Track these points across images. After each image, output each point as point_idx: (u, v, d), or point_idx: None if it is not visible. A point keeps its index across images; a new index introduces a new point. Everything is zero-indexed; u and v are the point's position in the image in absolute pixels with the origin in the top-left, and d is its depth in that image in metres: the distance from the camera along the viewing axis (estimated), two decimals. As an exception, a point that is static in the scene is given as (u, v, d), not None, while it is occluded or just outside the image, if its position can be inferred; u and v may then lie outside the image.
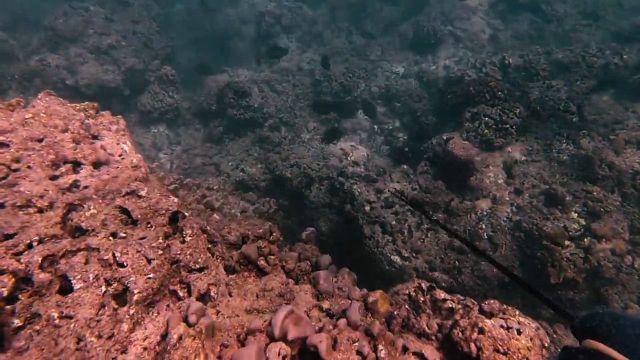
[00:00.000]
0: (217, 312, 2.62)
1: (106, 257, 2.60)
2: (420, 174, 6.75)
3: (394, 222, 5.94)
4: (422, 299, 3.19)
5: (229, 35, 13.36)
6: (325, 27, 13.01)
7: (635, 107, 6.70)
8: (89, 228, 2.82)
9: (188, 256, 2.77)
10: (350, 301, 2.90)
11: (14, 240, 2.57)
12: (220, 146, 9.01)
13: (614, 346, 1.06)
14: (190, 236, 2.89)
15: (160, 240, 2.78)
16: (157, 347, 2.40)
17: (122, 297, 2.54)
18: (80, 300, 2.45)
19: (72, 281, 2.51)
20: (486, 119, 6.45)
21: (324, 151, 8.02)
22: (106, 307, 2.45)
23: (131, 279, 2.53)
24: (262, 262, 3.01)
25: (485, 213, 5.79)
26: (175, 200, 3.09)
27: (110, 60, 9.47)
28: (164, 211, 3.02)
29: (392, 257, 5.65)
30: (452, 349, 2.79)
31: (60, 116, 3.41)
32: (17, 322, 2.33)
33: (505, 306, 2.96)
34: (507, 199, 5.88)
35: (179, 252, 2.77)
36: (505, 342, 2.67)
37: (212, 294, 2.70)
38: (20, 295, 2.44)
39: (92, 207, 2.95)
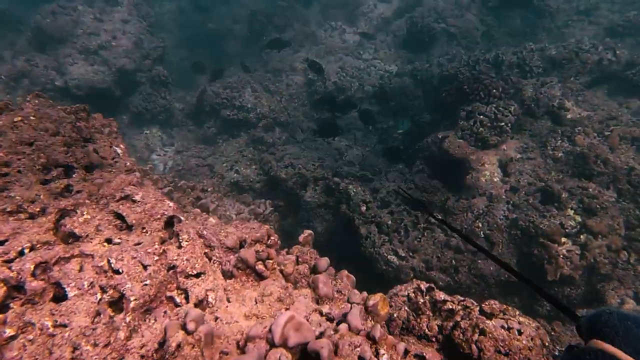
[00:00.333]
0: (216, 319, 2.57)
1: (101, 264, 2.53)
2: (416, 173, 6.76)
3: (390, 222, 5.92)
4: (421, 300, 3.16)
5: (221, 34, 13.26)
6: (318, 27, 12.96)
7: (629, 103, 6.74)
8: (83, 234, 2.75)
9: (185, 262, 2.71)
10: (350, 305, 2.87)
11: (5, 247, 2.49)
12: (213, 147, 8.94)
13: (621, 347, 1.04)
14: (186, 241, 2.83)
15: (156, 246, 2.72)
16: (154, 355, 2.34)
17: (118, 304, 2.47)
18: (74, 308, 2.38)
19: (66, 289, 2.44)
20: (481, 117, 6.45)
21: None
22: (102, 315, 2.39)
23: (127, 285, 2.47)
24: (260, 267, 2.96)
25: (481, 211, 5.79)
26: (171, 204, 3.03)
27: (100, 60, 9.31)
28: (159, 216, 2.96)
29: (388, 256, 5.63)
30: (453, 351, 2.76)
31: (50, 119, 3.33)
32: (9, 332, 2.25)
33: (505, 306, 2.94)
34: (503, 197, 5.88)
35: (175, 258, 2.71)
36: (507, 342, 2.65)
37: (210, 299, 2.65)
38: (12, 304, 2.37)
39: (85, 213, 2.88)
